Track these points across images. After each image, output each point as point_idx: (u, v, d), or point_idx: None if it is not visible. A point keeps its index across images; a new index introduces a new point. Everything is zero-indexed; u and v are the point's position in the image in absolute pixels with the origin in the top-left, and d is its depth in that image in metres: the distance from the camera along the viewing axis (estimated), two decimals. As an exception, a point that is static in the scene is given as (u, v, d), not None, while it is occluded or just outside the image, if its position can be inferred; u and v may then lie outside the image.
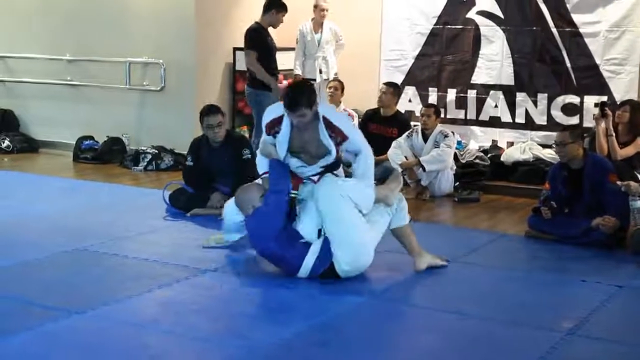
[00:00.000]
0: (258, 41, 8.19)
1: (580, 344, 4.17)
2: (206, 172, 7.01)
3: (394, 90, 8.85)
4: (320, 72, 9.68)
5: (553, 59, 8.89)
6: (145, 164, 9.31)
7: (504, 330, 4.34)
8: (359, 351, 4.09)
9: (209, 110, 7.00)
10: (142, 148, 9.48)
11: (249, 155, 6.86)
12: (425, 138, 8.15)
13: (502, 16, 9.12)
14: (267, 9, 8.26)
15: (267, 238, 5.10)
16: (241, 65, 9.51)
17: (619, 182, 6.10)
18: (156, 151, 9.39)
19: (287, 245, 5.07)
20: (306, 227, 5.11)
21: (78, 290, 4.83)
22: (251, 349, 3.98)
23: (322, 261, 5.02)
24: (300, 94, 5.13)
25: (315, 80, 9.60)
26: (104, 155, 9.73)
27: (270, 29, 8.36)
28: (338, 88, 9.07)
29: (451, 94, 9.41)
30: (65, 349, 3.97)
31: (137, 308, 4.61)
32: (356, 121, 9.02)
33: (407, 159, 8.10)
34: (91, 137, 10.02)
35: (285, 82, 9.21)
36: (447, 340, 4.24)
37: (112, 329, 4.24)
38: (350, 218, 5.03)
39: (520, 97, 9.06)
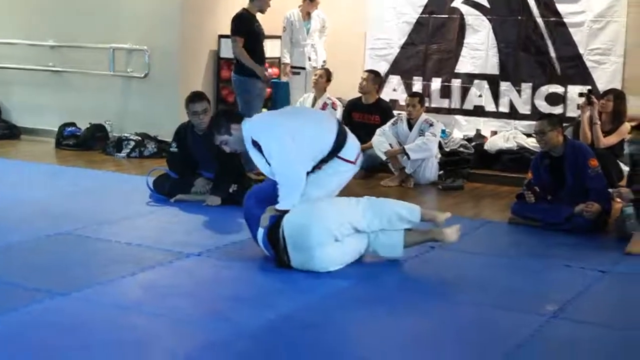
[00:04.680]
0: (245, 28, 8.15)
1: (564, 326, 4.18)
2: (190, 159, 6.99)
3: (374, 77, 8.86)
4: (310, 59, 9.64)
5: (537, 49, 8.92)
6: (128, 150, 9.26)
7: (490, 314, 4.35)
8: (346, 333, 4.09)
9: (195, 97, 6.98)
10: (125, 135, 9.43)
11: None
12: (410, 126, 8.16)
13: (487, 5, 9.15)
14: (255, -6, 8.21)
15: (251, 195, 5.29)
16: (226, 53, 9.49)
17: (610, 189, 6.15)
18: (139, 138, 9.34)
19: (261, 205, 5.11)
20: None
21: (62, 273, 4.80)
22: (237, 331, 3.97)
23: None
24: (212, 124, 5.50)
25: (304, 68, 9.58)
26: (86, 142, 9.65)
27: (259, 15, 8.29)
28: (323, 76, 9.05)
29: (436, 83, 9.42)
30: (50, 330, 3.94)
31: (121, 291, 4.58)
32: (340, 110, 9.01)
33: (391, 147, 8.10)
34: (74, 124, 9.94)
35: (270, 71, 9.19)
36: (433, 323, 4.25)
37: (96, 310, 4.22)
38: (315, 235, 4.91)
39: (505, 86, 9.09)
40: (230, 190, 6.71)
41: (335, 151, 5.23)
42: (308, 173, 5.15)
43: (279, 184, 5.10)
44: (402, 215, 5.08)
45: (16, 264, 5.00)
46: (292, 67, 9.68)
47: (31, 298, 4.30)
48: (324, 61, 9.69)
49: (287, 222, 4.93)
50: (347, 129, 5.49)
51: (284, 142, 5.08)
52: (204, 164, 6.90)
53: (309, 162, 5.16)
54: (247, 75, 8.13)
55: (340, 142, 5.25)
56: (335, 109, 8.92)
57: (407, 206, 5.19)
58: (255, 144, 5.18)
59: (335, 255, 4.93)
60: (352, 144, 5.34)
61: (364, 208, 5.05)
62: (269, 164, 5.16)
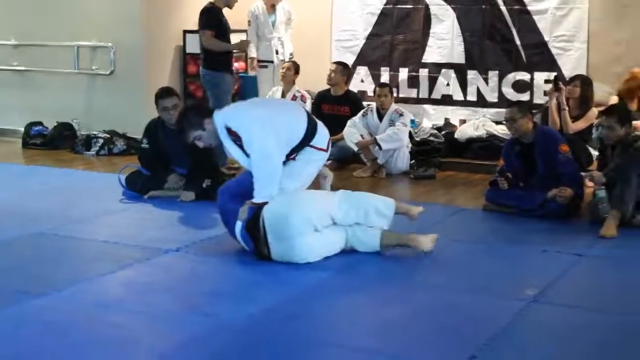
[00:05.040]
0: (213, 21, 8.12)
1: (544, 310, 4.22)
2: (162, 155, 6.94)
3: (343, 68, 8.89)
4: (277, 52, 9.61)
5: (503, 37, 8.99)
6: (97, 148, 9.18)
7: (469, 300, 4.38)
8: (328, 323, 4.12)
9: (164, 93, 6.95)
10: (94, 133, 9.35)
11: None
12: (381, 117, 8.19)
13: (452, -5, 9.19)
14: (223, -12, 8.17)
15: (224, 190, 5.28)
16: (192, 48, 9.45)
17: (582, 173, 6.22)
18: (108, 135, 9.27)
19: (236, 199, 5.11)
20: None
21: (38, 274, 4.75)
22: (219, 325, 3.96)
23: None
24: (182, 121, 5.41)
25: (272, 62, 9.55)
26: (54, 141, 9.56)
27: (224, 10, 8.26)
28: (291, 69, 9.03)
29: (403, 73, 9.46)
30: (31, 330, 3.91)
31: (100, 289, 4.55)
32: (309, 102, 9.01)
33: (363, 138, 8.13)
34: (40, 123, 9.83)
35: (236, 65, 9.16)
36: (413, 310, 4.26)
37: (77, 309, 4.19)
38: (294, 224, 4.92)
39: (472, 75, 9.15)
40: (204, 185, 6.68)
41: (307, 140, 5.26)
42: (283, 163, 5.15)
43: (255, 177, 5.09)
44: (378, 207, 5.11)
45: (-9, 265, 4.94)
46: (259, 60, 9.64)
47: (11, 299, 4.26)
48: (291, 54, 9.67)
49: (267, 212, 4.93)
50: (315, 117, 5.53)
51: (264, 129, 5.07)
52: (176, 159, 6.86)
53: (284, 150, 5.16)
54: (216, 69, 8.10)
55: (311, 130, 5.28)
56: (305, 102, 8.91)
57: (382, 199, 5.23)
58: (232, 133, 5.16)
59: (315, 246, 4.94)
60: (322, 132, 5.38)
61: (339, 200, 5.08)
62: (246, 154, 5.14)
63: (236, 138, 5.16)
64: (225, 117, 5.24)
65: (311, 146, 5.30)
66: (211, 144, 5.44)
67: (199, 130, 5.28)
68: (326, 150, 5.40)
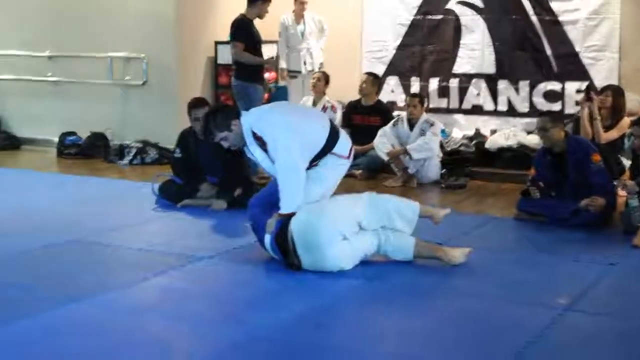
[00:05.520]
0: (244, 32, 8.20)
1: (578, 319, 4.22)
2: (195, 164, 7.01)
3: (373, 79, 8.94)
4: (305, 63, 9.67)
5: (533, 47, 8.99)
6: (130, 158, 9.28)
7: (501, 309, 4.38)
8: (357, 332, 4.11)
9: (196, 103, 7.03)
10: (127, 142, 9.46)
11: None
12: (411, 126, 8.21)
13: (481, 5, 9.21)
14: (253, 0, 8.25)
15: (255, 202, 5.33)
16: (223, 59, 9.54)
17: (615, 182, 6.19)
18: (141, 145, 9.37)
19: (267, 211, 5.13)
20: None
21: (74, 280, 4.82)
22: (251, 332, 4.00)
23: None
24: (209, 121, 5.40)
25: (300, 72, 9.61)
26: (87, 151, 9.69)
27: (256, 21, 8.34)
28: (321, 79, 9.08)
29: (433, 84, 9.48)
30: (66, 335, 3.96)
31: (135, 296, 4.61)
32: (339, 113, 9.06)
33: (393, 148, 8.15)
34: (74, 133, 9.97)
35: (267, 75, 9.24)
36: (443, 319, 4.28)
37: (113, 316, 4.24)
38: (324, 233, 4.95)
39: (502, 85, 9.16)
40: (235, 194, 6.73)
41: (329, 147, 5.27)
42: (306, 170, 5.17)
43: (280, 187, 5.10)
44: (402, 210, 5.13)
45: (29, 271, 5.01)
46: (289, 71, 9.71)
47: (48, 305, 4.31)
48: (321, 64, 9.73)
49: (294, 223, 4.96)
50: (337, 125, 5.57)
51: (289, 138, 5.09)
52: (209, 168, 6.93)
53: (308, 157, 5.18)
54: (248, 80, 8.18)
55: (333, 138, 5.30)
56: (335, 112, 8.96)
57: (406, 202, 5.25)
58: (257, 138, 5.19)
59: (345, 254, 4.96)
60: (344, 140, 5.40)
61: (364, 204, 5.10)
62: (271, 160, 5.17)
63: (262, 143, 5.18)
64: (252, 121, 5.24)
65: (333, 154, 5.32)
66: (236, 145, 5.41)
67: (225, 131, 5.29)
68: (348, 158, 5.42)
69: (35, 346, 3.80)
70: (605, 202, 6.05)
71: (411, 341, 3.97)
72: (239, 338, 3.94)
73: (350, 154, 5.43)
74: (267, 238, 5.09)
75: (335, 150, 5.31)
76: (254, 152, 5.27)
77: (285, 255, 5.02)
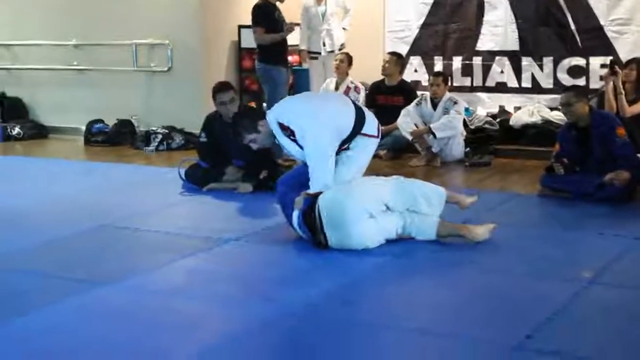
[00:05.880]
0: (264, 17, 8.24)
1: (601, 292, 4.24)
2: (220, 148, 7.07)
3: (397, 59, 8.94)
4: (324, 44, 9.66)
5: (557, 22, 8.93)
6: (156, 144, 9.37)
7: (525, 282, 4.41)
8: (383, 308, 4.16)
9: (222, 87, 7.09)
10: (152, 129, 9.55)
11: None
12: (435, 105, 8.22)
13: (504, -18, 9.16)
14: (274, -17, 8.28)
15: (284, 180, 5.44)
16: (247, 43, 9.59)
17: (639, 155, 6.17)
18: (166, 131, 9.46)
19: (295, 190, 5.21)
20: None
21: (103, 264, 4.90)
22: (281, 309, 4.05)
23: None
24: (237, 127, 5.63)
25: (320, 53, 9.62)
26: (114, 138, 9.81)
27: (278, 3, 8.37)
28: (344, 60, 9.10)
29: (457, 62, 9.45)
30: (97, 318, 4.03)
31: (163, 278, 4.68)
32: (363, 93, 9.07)
33: (417, 127, 8.17)
34: (101, 121, 10.09)
35: (290, 58, 9.26)
36: (468, 293, 4.31)
37: (140, 298, 4.31)
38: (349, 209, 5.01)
39: (526, 61, 9.11)
40: (261, 177, 6.80)
41: (357, 128, 5.34)
42: (337, 153, 5.24)
43: (310, 169, 5.19)
44: (428, 196, 5.17)
45: (59, 257, 5.09)
46: (309, 52, 9.69)
47: (78, 289, 4.38)
48: (342, 44, 9.70)
49: (322, 201, 5.03)
50: (361, 106, 5.64)
51: (316, 122, 5.19)
52: (234, 152, 6.98)
53: (336, 141, 5.25)
54: (271, 63, 8.24)
55: (360, 119, 5.36)
56: (359, 93, 8.98)
57: (433, 188, 5.28)
58: (284, 128, 5.27)
59: (371, 232, 5.01)
60: (371, 119, 5.48)
61: (392, 187, 5.15)
62: (300, 147, 5.24)
63: (289, 133, 5.26)
64: (276, 114, 5.36)
65: (362, 134, 5.38)
66: (264, 145, 5.60)
67: (253, 133, 5.45)
68: (377, 137, 5.50)
69: (66, 330, 3.87)
70: (630, 175, 6.04)
71: (437, 316, 4.01)
72: (268, 316, 3.99)
73: (378, 132, 5.51)
74: (295, 214, 5.16)
75: (364, 130, 5.38)
76: (284, 143, 5.38)
77: (312, 233, 5.08)
